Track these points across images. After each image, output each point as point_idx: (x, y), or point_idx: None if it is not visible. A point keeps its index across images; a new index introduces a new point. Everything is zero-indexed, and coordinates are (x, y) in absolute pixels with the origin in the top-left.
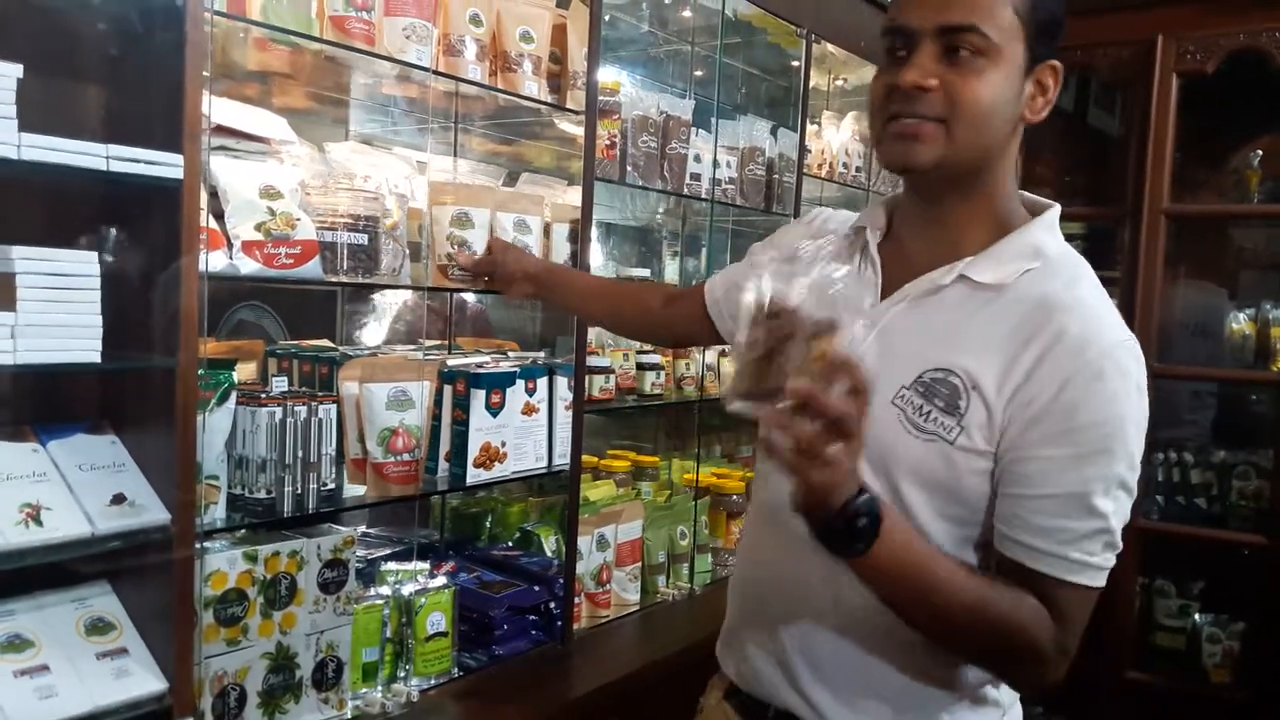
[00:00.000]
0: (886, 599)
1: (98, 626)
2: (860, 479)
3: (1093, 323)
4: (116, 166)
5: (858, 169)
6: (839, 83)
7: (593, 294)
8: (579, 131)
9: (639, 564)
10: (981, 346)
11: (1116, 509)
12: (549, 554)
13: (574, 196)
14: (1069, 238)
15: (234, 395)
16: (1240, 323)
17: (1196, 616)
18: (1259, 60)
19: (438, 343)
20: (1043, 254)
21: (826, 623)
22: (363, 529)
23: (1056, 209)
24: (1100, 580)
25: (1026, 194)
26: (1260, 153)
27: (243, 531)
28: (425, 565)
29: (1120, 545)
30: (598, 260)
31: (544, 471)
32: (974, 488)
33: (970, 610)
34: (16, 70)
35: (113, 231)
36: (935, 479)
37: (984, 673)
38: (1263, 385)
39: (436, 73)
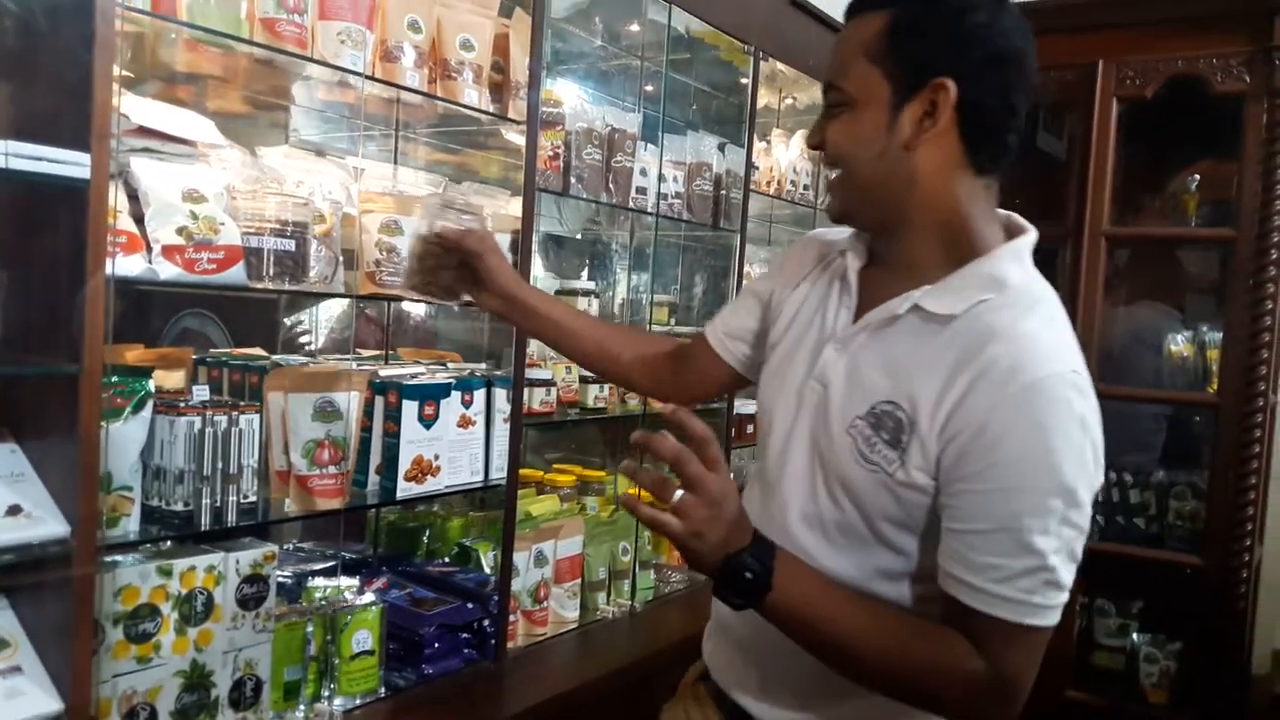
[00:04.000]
0: (794, 640)
1: None
2: (747, 534)
3: (1027, 353)
4: (16, 164)
5: (805, 187)
6: (789, 101)
7: (580, 334)
8: (523, 141)
9: (579, 580)
10: (925, 379)
11: (1060, 546)
12: (487, 570)
13: (517, 207)
14: None
15: (150, 404)
16: (1179, 345)
17: (1135, 636)
18: (1197, 85)
19: (375, 353)
20: (1003, 284)
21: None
22: (296, 543)
23: (1029, 236)
24: (1044, 619)
25: (1010, 215)
26: (1198, 177)
27: (168, 544)
28: (354, 581)
29: (1067, 584)
30: (541, 271)
31: (480, 486)
32: (920, 520)
33: (881, 655)
34: None
35: (15, 232)
36: (882, 509)
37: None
38: (1200, 407)
39: (371, 78)
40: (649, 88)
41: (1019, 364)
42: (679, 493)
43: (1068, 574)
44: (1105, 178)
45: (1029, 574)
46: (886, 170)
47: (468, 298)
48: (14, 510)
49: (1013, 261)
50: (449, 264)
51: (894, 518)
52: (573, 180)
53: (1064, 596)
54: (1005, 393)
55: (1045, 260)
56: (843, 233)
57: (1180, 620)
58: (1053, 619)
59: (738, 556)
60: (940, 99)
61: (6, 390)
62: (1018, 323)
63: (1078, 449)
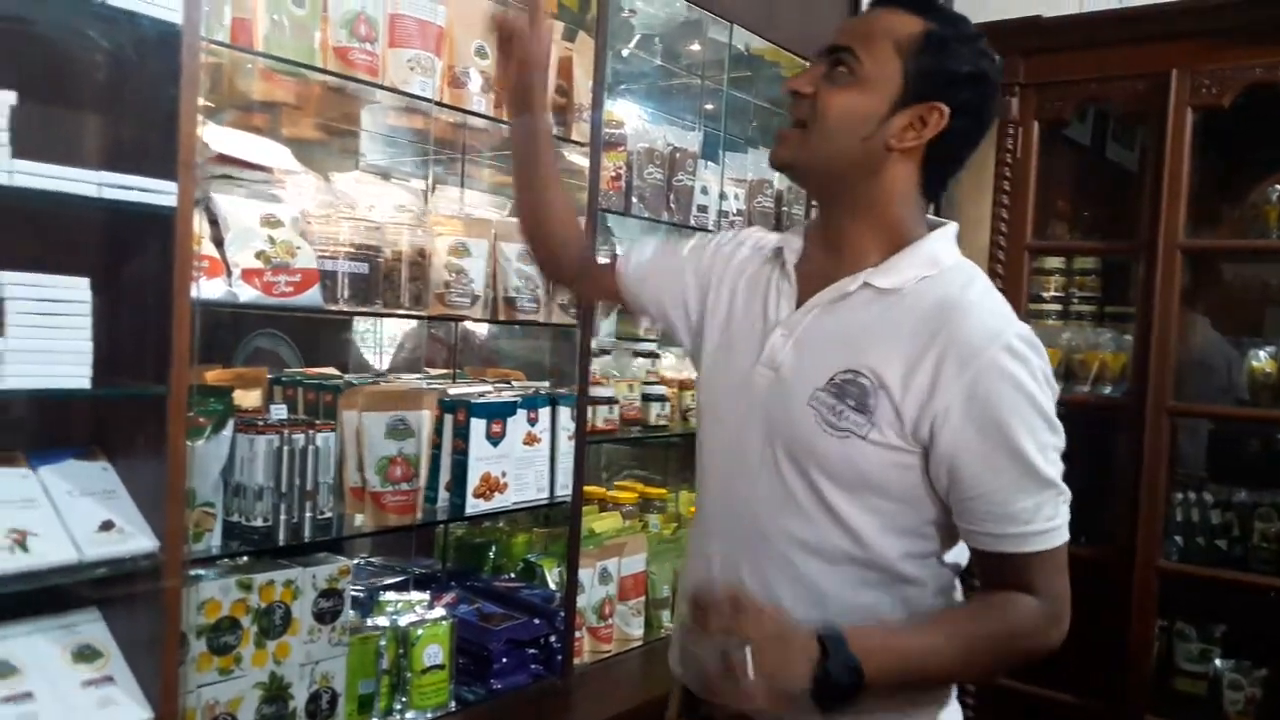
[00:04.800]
0: (898, 688)
1: (85, 654)
2: (813, 642)
3: (987, 321)
4: (109, 194)
5: None
6: None
7: (546, 186)
8: (586, 163)
9: (643, 598)
10: (885, 348)
11: (1059, 469)
12: (552, 586)
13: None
14: (1084, 271)
15: (231, 422)
16: (1261, 360)
17: (1218, 661)
18: (1276, 94)
19: (443, 371)
20: (939, 262)
21: None
22: (366, 557)
23: (953, 224)
24: (1066, 535)
25: (933, 218)
26: (1279, 187)
27: (245, 559)
28: (425, 596)
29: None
30: None
31: (545, 503)
32: (895, 480)
33: (969, 654)
34: (10, 97)
35: (108, 258)
36: (855, 475)
37: None
38: None
39: (440, 104)
40: (709, 106)
41: (984, 331)
42: (748, 661)
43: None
44: (1180, 189)
45: (1050, 502)
46: (861, 154)
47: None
48: (106, 525)
49: (944, 244)
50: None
51: (868, 480)
52: (634, 200)
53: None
54: (980, 361)
55: (1119, 274)
56: (773, 237)
57: (1267, 646)
58: (1068, 532)
59: (822, 671)
60: (932, 119)
61: (98, 410)
62: (965, 292)
63: (1044, 391)
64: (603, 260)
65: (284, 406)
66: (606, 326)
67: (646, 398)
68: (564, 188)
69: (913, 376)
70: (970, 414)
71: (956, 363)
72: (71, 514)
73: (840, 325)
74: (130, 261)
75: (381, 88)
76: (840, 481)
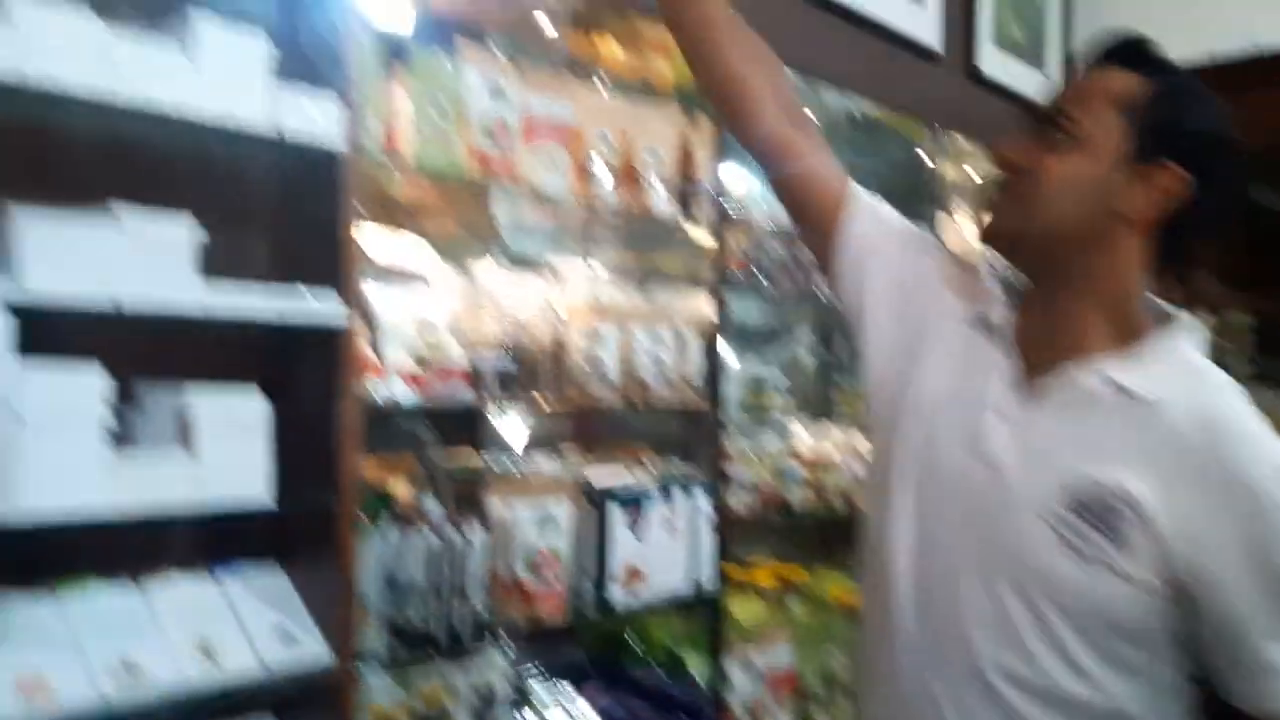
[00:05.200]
0: None
1: None
2: None
3: (1264, 450)
4: (284, 313)
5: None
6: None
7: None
8: (708, 238)
9: (794, 692)
10: (1143, 466)
11: None
12: (695, 676)
13: (705, 303)
14: (1237, 327)
15: (389, 519)
16: None
17: None
18: None
19: (576, 453)
20: (1192, 368)
21: None
22: (508, 643)
23: (1196, 322)
24: None
25: (1157, 302)
26: None
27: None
28: (576, 696)
29: None
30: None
31: (690, 596)
32: (1130, 617)
33: None
34: (200, 234)
35: (274, 369)
36: (1090, 607)
37: None
38: None
39: (571, 195)
40: None
41: (1261, 465)
42: None
43: None
44: None
45: None
46: (1085, 222)
47: None
48: (284, 635)
49: (1192, 343)
50: None
51: (1102, 612)
52: (757, 274)
53: None
54: (1263, 501)
55: (1276, 328)
56: (993, 293)
57: None
58: None
59: None
60: (1169, 185)
61: (271, 519)
62: (1229, 409)
63: None
64: (830, 163)
65: (434, 499)
66: (736, 395)
67: (784, 476)
68: (738, 29)
69: (1176, 504)
70: (1250, 561)
71: (1233, 498)
72: (251, 623)
73: (1081, 429)
74: (300, 374)
75: (521, 188)
76: (1072, 613)
